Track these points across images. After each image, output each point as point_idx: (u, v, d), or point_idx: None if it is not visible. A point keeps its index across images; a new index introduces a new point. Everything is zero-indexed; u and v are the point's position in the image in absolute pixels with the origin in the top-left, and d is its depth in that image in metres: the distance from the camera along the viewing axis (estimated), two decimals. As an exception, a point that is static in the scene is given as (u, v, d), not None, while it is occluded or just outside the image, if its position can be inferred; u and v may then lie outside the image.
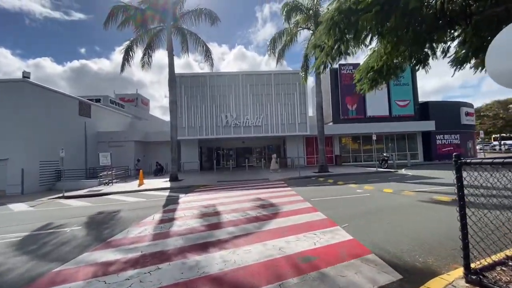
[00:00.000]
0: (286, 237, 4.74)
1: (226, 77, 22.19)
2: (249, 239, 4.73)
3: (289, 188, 11.13)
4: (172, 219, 6.68)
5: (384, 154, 18.80)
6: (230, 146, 28.87)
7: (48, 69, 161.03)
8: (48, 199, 12.66)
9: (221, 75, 22.31)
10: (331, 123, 24.35)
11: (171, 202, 9.38)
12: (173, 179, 16.25)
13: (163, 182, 16.08)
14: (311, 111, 24.57)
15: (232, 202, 8.61)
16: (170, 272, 3.53)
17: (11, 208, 10.45)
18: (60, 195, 13.13)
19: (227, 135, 21.83)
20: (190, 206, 8.38)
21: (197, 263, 3.80)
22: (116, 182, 17.02)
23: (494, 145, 42.93)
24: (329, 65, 7.91)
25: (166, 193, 12.11)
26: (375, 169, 17.97)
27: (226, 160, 29.05)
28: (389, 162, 18.70)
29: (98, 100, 27.28)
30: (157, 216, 7.19)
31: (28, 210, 9.71)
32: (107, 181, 16.21)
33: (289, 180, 14.46)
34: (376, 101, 24.48)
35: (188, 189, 12.85)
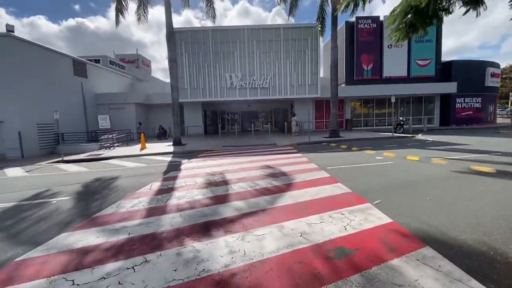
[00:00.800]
0: (306, 217, 3.82)
1: (230, 32, 20.00)
2: (261, 219, 3.83)
3: (299, 155, 10.15)
4: (171, 189, 5.83)
5: (400, 118, 17.40)
6: (235, 109, 27.54)
7: (44, 28, 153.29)
8: (47, 163, 12.01)
9: (225, 30, 20.10)
10: (343, 85, 22.52)
11: (172, 169, 8.55)
12: (176, 143, 15.40)
13: (166, 146, 15.27)
14: (322, 72, 22.61)
15: (239, 169, 7.70)
16: (160, 268, 2.66)
17: (6, 173, 9.81)
18: (60, 159, 12.47)
19: (232, 98, 20.41)
20: (193, 173, 7.52)
21: (195, 254, 2.92)
22: (118, 146, 16.30)
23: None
24: (361, 3, 6.31)
25: (169, 158, 11.29)
26: (389, 134, 16.76)
27: (231, 124, 27.97)
28: (404, 127, 17.37)
29: (97, 61, 25.57)
30: (156, 185, 6.36)
31: (22, 176, 9.03)
32: (108, 145, 15.46)
33: (298, 146, 13.47)
34: (394, 60, 22.27)
35: (192, 154, 12.01)
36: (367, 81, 22.24)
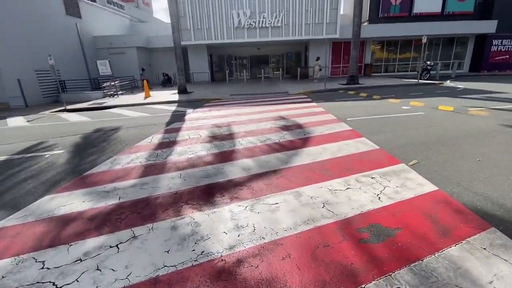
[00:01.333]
0: (328, 181, 3.16)
1: (237, -42, 16.96)
2: (274, 183, 3.20)
3: (315, 104, 9.16)
4: (173, 143, 5.23)
5: (427, 63, 15.45)
6: (243, 53, 25.40)
7: None
8: (51, 112, 11.55)
9: (231, -45, 17.02)
10: (366, 23, 19.78)
11: (176, 119, 7.87)
12: (181, 91, 14.45)
13: (171, 94, 14.38)
14: (342, 9, 19.58)
15: (248, 121, 6.94)
16: (149, 248, 2.14)
17: (7, 122, 9.43)
18: (63, 108, 11.95)
19: (240, 39, 18.43)
20: (197, 125, 6.83)
21: (194, 228, 2.38)
22: (122, 94, 15.53)
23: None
24: None
25: (173, 107, 10.54)
26: (413, 80, 15.12)
27: (240, 70, 26.18)
28: (431, 72, 15.55)
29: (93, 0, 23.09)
30: (157, 137, 5.76)
31: (23, 126, 8.60)
32: (111, 92, 14.70)
33: (312, 94, 12.31)
34: (429, -8, 18.91)
35: (197, 104, 11.20)
36: (393, 19, 19.37)
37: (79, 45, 17.47)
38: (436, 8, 19.33)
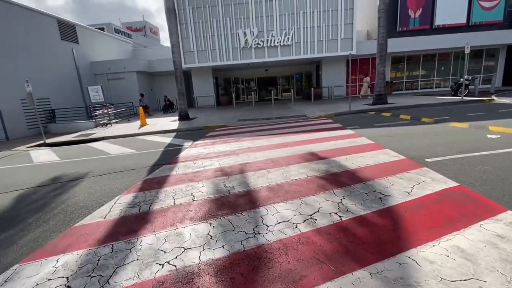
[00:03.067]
0: None
1: (242, -25, 15.65)
2: None
3: (351, 132, 6.84)
4: (142, 220, 2.89)
5: (465, 77, 13.18)
6: (250, 76, 23.78)
7: (49, 1, 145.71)
8: (27, 147, 9.54)
9: (236, -27, 15.74)
10: (382, 39, 17.91)
11: (166, 158, 5.62)
12: (183, 117, 12.42)
13: (170, 122, 12.35)
14: (357, 24, 17.76)
15: (268, 162, 4.63)
16: None
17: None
18: (42, 142, 9.94)
19: (247, 60, 16.69)
20: (193, 171, 4.53)
21: None
22: (117, 122, 13.62)
23: None
24: None
25: (169, 138, 8.36)
26: (449, 98, 12.80)
27: (247, 93, 24.44)
28: (469, 87, 13.21)
29: (101, 29, 22.32)
30: (121, 204, 3.44)
31: (-27, 170, 6.49)
32: (104, 121, 12.78)
33: (336, 117, 10.05)
34: (451, 3, 17.11)
35: (200, 132, 9.02)
36: (413, 32, 17.48)
37: (75, 71, 15.97)
38: (460, 19, 17.42)
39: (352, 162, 4.25)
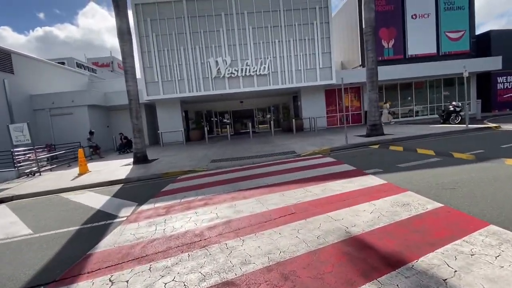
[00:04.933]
0: None
1: (211, 2, 14.30)
2: None
3: (377, 180, 4.63)
4: None
5: (454, 103, 12.28)
6: (224, 108, 21.86)
7: (10, 39, 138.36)
8: None
9: None
10: (359, 68, 17.29)
11: (62, 265, 2.83)
12: (139, 160, 9.60)
13: (122, 166, 9.41)
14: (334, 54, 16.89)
15: (275, 275, 2.10)
16: None
17: None
18: None
19: (220, 91, 14.73)
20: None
21: None
22: (51, 169, 10.29)
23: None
24: None
25: (104, 199, 5.49)
26: (445, 125, 11.64)
27: (221, 127, 22.26)
28: (460, 114, 12.25)
29: (62, 63, 19.48)
30: None
31: None
32: (29, 170, 9.45)
33: (334, 153, 7.99)
34: (420, 34, 17.25)
35: (155, 184, 6.29)
36: (388, 62, 17.08)
37: (6, 107, 12.64)
38: (430, 49, 17.51)
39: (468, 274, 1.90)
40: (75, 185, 7.15)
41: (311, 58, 14.87)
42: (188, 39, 14.39)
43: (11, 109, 12.87)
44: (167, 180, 6.69)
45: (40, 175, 9.41)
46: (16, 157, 9.58)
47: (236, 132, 21.68)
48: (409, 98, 18.13)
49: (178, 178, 6.84)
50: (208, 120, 21.76)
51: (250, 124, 16.67)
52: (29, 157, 9.62)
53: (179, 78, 14.59)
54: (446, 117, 12.50)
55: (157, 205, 4.55)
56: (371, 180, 4.60)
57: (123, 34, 9.25)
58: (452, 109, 12.18)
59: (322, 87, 16.27)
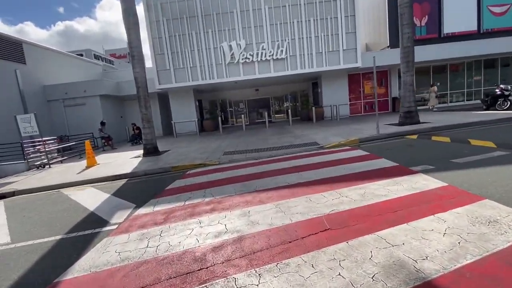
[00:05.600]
0: None
1: (224, -19, 13.16)
2: None
3: (436, 182, 3.56)
4: None
5: (502, 86, 10.56)
6: (239, 97, 20.88)
7: (33, 34, 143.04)
8: None
9: (217, -21, 13.25)
10: (387, 49, 15.57)
11: (37, 285, 2.12)
12: (149, 151, 9.00)
13: (132, 158, 8.85)
14: (362, 32, 15.10)
15: None
16: None
17: None
18: None
19: (234, 77, 13.76)
20: None
21: None
22: (62, 161, 9.98)
23: None
24: None
25: (104, 197, 4.84)
26: (491, 111, 10.01)
27: (236, 116, 21.39)
28: (510, 98, 10.50)
29: (80, 55, 19.57)
30: None
31: None
32: (40, 163, 9.14)
33: (363, 144, 6.88)
34: (458, 10, 15.13)
35: (161, 180, 5.58)
36: (420, 42, 15.18)
37: (19, 97, 12.48)
38: (469, 26, 15.37)
39: None
40: (79, 179, 6.62)
41: (334, 39, 13.43)
42: (200, 23, 13.41)
43: (24, 100, 12.70)
44: (174, 175, 5.96)
45: (49, 167, 9.08)
46: (26, 149, 9.29)
47: (252, 122, 20.75)
48: (439, 83, 16.19)
49: (187, 172, 6.08)
50: (223, 110, 20.96)
51: (266, 113, 15.62)
52: (38, 149, 9.30)
53: (191, 65, 13.75)
54: (491, 102, 10.82)
55: (156, 208, 3.78)
56: (424, 181, 3.54)
57: (129, 15, 8.45)
58: (499, 93, 10.47)
59: (345, 71, 14.82)
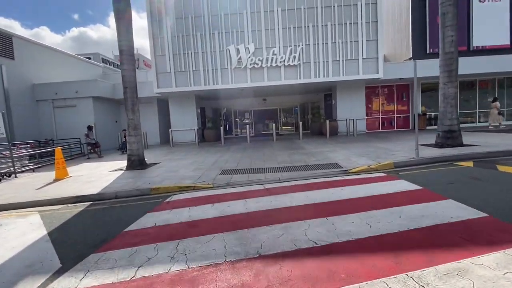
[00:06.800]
0: None
1: (235, -21, 11.97)
2: None
3: None
4: None
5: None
6: (244, 106, 19.43)
7: (48, 39, 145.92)
8: None
9: (227, -23, 12.08)
10: (409, 60, 14.04)
11: None
12: (133, 164, 7.44)
13: (111, 172, 7.27)
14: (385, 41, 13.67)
15: None
16: None
17: None
18: None
19: (241, 84, 12.33)
20: None
21: None
22: (33, 170, 8.44)
23: None
24: None
25: (39, 235, 3.22)
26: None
27: (241, 127, 19.85)
28: None
29: (88, 58, 18.69)
30: None
31: None
32: (6, 171, 7.63)
33: (400, 170, 5.18)
34: (490, 22, 13.65)
35: (128, 209, 3.90)
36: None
37: (2, 96, 11.19)
38: (503, 39, 13.81)
39: None
40: (30, 199, 5.04)
41: (353, 46, 11.97)
42: (206, 23, 12.14)
43: (8, 99, 11.39)
44: (152, 201, 4.35)
45: (15, 177, 7.55)
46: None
47: (257, 134, 19.19)
48: (471, 100, 14.51)
49: (167, 200, 4.44)
50: (227, 119, 19.50)
51: (273, 125, 14.03)
52: (4, 154, 7.82)
53: (194, 69, 12.40)
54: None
55: (84, 282, 2.13)
56: None
57: (118, 1, 7.11)
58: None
59: (363, 82, 13.28)
